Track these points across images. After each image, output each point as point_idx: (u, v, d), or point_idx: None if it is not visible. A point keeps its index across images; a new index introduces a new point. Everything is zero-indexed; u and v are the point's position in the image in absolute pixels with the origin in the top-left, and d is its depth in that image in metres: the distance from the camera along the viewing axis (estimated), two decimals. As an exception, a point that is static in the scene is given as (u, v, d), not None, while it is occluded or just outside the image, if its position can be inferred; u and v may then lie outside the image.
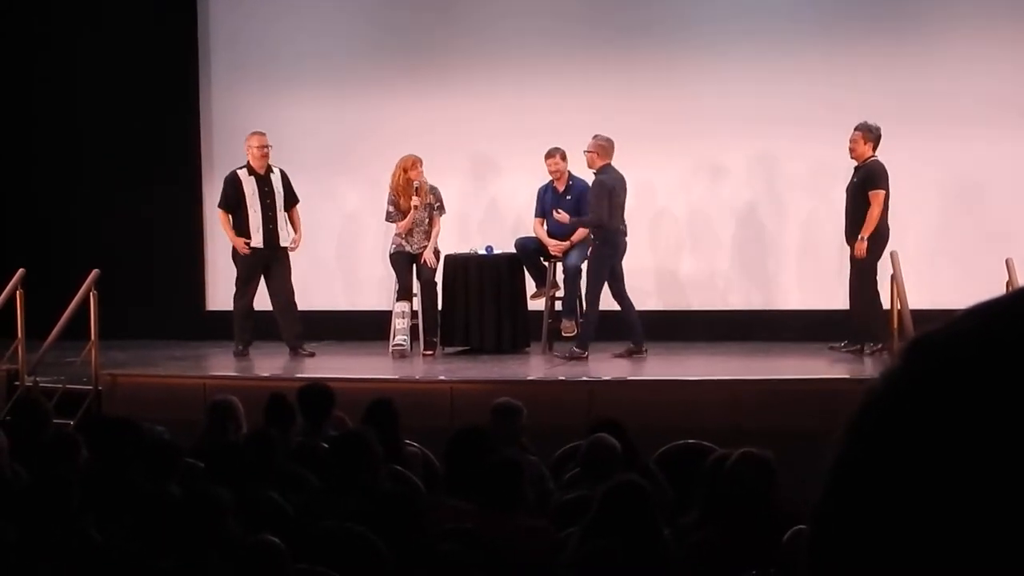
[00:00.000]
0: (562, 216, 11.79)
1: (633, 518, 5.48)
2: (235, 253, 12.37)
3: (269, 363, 12.12)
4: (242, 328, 12.36)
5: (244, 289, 12.38)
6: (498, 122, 13.36)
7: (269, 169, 12.37)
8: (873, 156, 11.10)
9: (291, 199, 12.44)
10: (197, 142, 14.26)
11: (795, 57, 12.79)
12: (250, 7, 14.28)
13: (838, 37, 12.70)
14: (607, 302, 11.82)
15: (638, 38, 13.21)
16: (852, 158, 11.20)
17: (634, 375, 10.90)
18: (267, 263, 12.31)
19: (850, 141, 11.15)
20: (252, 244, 12.25)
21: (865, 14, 12.72)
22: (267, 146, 12.34)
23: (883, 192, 10.99)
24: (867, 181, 11.01)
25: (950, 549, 0.73)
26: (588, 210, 11.57)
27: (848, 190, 11.24)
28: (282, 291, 12.33)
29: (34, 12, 14.65)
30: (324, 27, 14.00)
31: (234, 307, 12.45)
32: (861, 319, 11.13)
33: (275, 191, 12.32)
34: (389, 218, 12.29)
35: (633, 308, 11.61)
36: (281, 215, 12.35)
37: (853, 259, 11.10)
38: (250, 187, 12.28)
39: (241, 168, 12.41)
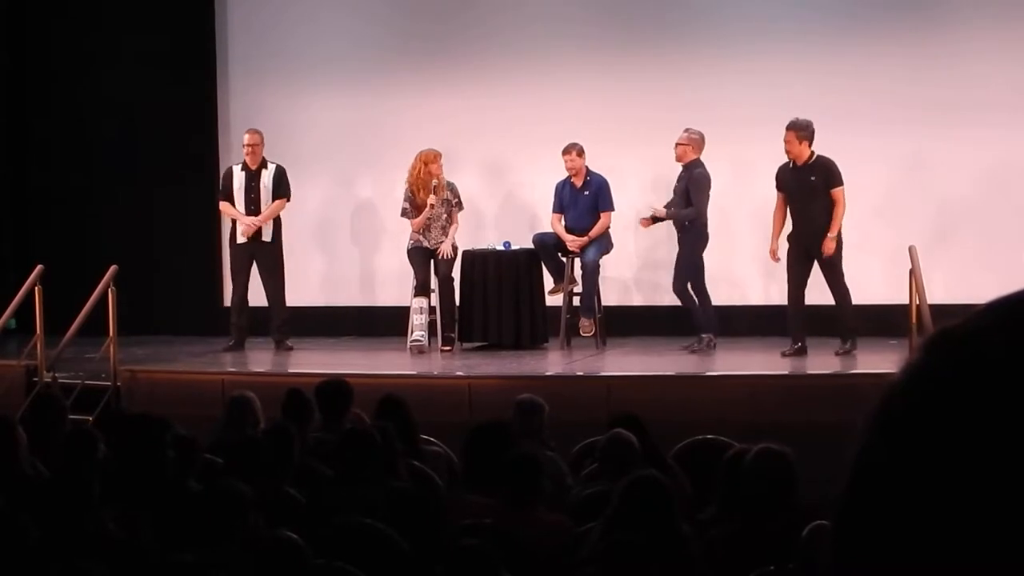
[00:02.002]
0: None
1: (652, 513, 5.48)
2: (229, 247, 12.62)
3: (287, 359, 12.14)
4: (234, 324, 12.46)
5: (235, 282, 12.57)
6: (515, 117, 13.33)
7: (263, 165, 12.52)
8: (814, 153, 11.04)
9: (278, 194, 12.51)
10: (214, 138, 14.28)
11: (817, 51, 12.74)
12: (267, 3, 14.29)
13: (862, 31, 12.65)
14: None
15: (657, 32, 13.18)
16: (790, 157, 11.12)
17: (652, 371, 10.89)
18: (253, 257, 12.43)
19: (784, 142, 11.05)
20: (237, 239, 12.42)
21: (889, 7, 12.67)
22: (254, 144, 12.48)
23: (843, 187, 10.98)
24: (829, 180, 10.98)
25: (971, 543, 0.72)
26: (692, 203, 11.52)
27: (795, 189, 11.07)
28: (269, 286, 12.44)
29: (51, 9, 14.67)
30: (340, 21, 14.00)
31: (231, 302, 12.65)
32: (844, 315, 11.08)
33: (262, 187, 12.45)
34: (404, 214, 12.29)
35: (695, 302, 11.64)
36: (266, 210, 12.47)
37: (823, 259, 11.02)
38: (238, 181, 12.50)
39: (238, 163, 12.66)
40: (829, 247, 10.93)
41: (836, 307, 11.10)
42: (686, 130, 11.69)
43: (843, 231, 11.18)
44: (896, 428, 0.78)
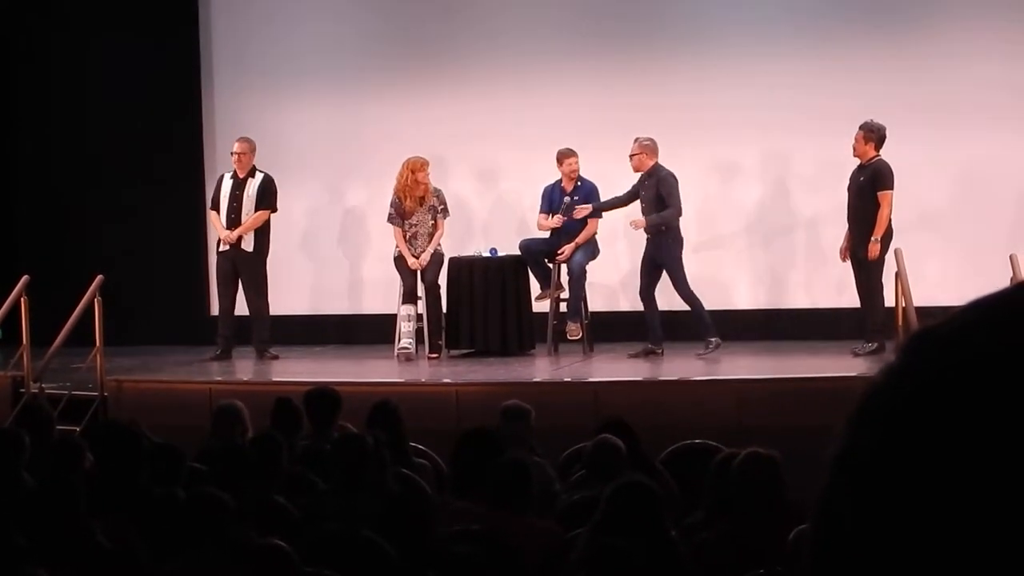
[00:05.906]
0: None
1: (640, 518, 5.48)
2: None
3: (274, 368, 12.12)
4: (219, 334, 12.43)
5: (220, 292, 12.58)
6: (502, 123, 13.33)
7: (251, 174, 12.44)
8: (877, 156, 11.09)
9: (262, 205, 12.40)
10: (200, 146, 14.26)
11: (803, 54, 12.76)
12: (252, 10, 14.28)
13: (846, 33, 12.67)
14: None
15: (646, 36, 13.18)
16: (855, 156, 11.20)
17: (640, 376, 10.90)
18: (234, 266, 12.39)
19: (853, 140, 11.15)
20: (220, 247, 12.44)
21: (872, 9, 12.69)
22: (242, 152, 12.42)
23: (891, 192, 10.99)
24: (875, 181, 11.00)
25: (949, 544, 0.72)
26: (668, 204, 11.50)
27: (851, 189, 11.22)
28: (251, 295, 12.42)
29: (36, 18, 14.64)
30: (327, 29, 13.99)
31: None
32: (873, 316, 11.08)
33: (245, 197, 12.37)
34: (390, 220, 12.30)
35: (657, 308, 11.63)
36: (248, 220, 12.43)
37: (861, 259, 11.06)
38: (225, 189, 12.47)
39: (229, 171, 12.63)
40: (873, 251, 10.94)
41: (862, 307, 11.14)
42: (636, 140, 11.70)
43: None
44: (875, 428, 0.77)
